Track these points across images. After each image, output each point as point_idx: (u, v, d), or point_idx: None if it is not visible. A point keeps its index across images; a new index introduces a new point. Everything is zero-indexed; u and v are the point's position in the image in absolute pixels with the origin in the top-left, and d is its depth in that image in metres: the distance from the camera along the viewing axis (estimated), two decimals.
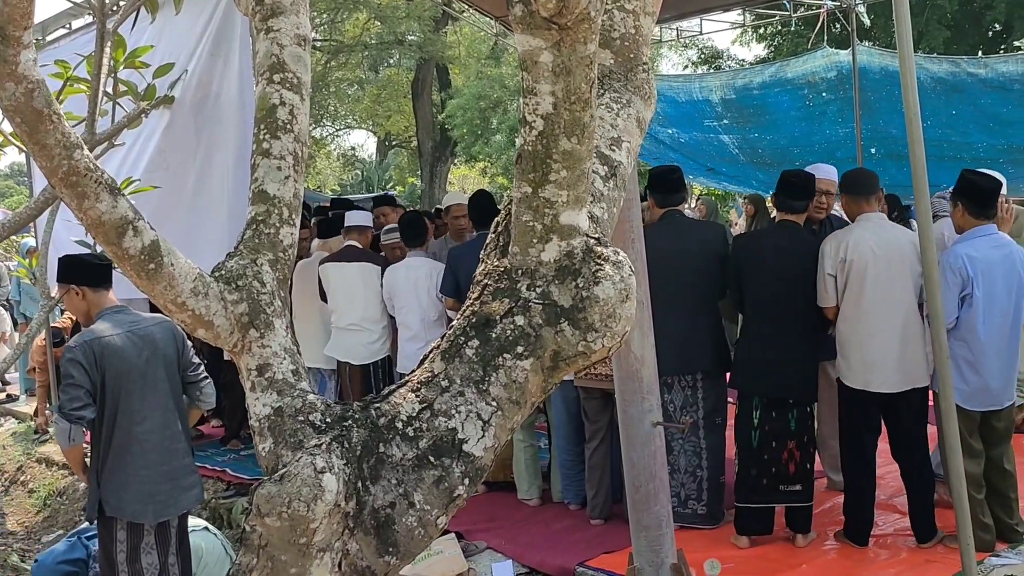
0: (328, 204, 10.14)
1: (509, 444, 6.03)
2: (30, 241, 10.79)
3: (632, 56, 2.10)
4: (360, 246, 6.63)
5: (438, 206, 10.54)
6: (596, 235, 1.76)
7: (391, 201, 8.99)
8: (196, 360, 4.52)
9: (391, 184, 35.61)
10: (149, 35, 6.28)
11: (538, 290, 1.71)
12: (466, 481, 1.67)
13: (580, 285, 1.69)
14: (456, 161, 29.98)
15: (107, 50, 4.78)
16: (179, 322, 1.70)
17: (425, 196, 25.90)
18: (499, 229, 1.86)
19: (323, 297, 6.67)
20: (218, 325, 1.70)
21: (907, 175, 4.49)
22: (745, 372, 5.08)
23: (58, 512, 7.76)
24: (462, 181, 33.44)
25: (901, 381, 4.76)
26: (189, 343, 4.49)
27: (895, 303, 4.75)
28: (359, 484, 1.62)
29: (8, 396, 11.46)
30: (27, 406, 10.57)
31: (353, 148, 43.25)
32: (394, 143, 36.23)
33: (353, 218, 6.88)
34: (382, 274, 6.36)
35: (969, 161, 10.31)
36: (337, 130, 36.36)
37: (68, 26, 8.09)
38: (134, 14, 5.56)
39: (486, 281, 1.77)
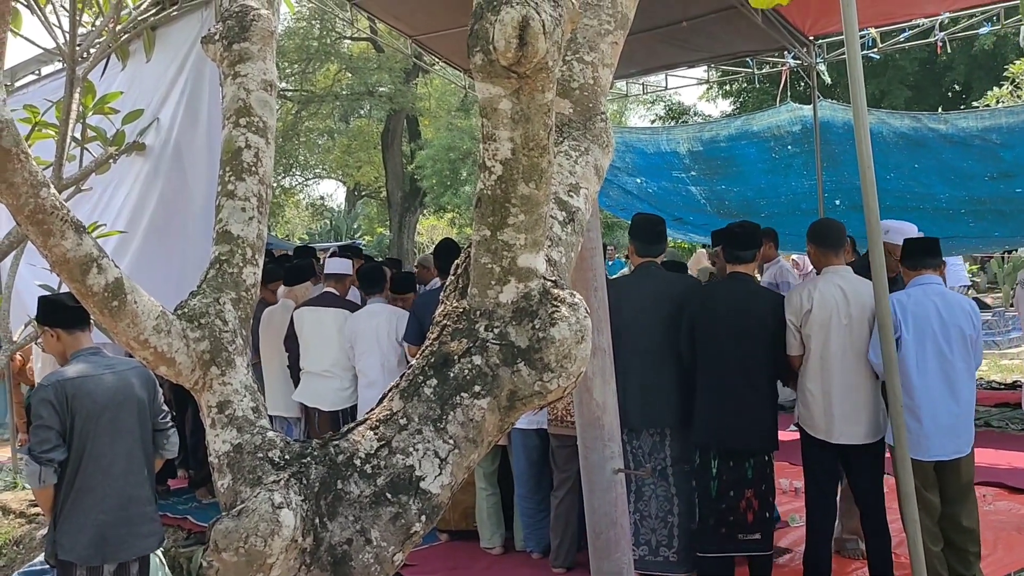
0: (290, 252, 10.16)
1: (471, 493, 6.03)
2: None
3: (591, 106, 2.17)
4: (337, 293, 6.66)
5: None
6: (553, 278, 1.80)
7: (356, 252, 9.01)
8: (165, 408, 4.50)
9: (360, 234, 35.68)
10: (119, 82, 6.33)
11: (496, 331, 1.75)
12: (423, 518, 1.69)
13: (537, 326, 1.73)
14: (425, 212, 30.13)
15: (76, 96, 4.82)
16: (141, 359, 1.72)
17: (394, 246, 25.96)
18: (459, 271, 1.90)
19: (288, 343, 6.66)
20: (180, 362, 1.72)
21: None
22: (701, 424, 5.08)
23: (14, 561, 7.61)
24: (431, 232, 33.55)
25: (861, 434, 4.82)
26: (160, 391, 4.47)
27: (857, 356, 4.82)
28: (316, 520, 1.64)
29: None
30: None
31: (322, 198, 43.41)
32: (363, 193, 36.36)
33: (332, 265, 6.91)
34: None
35: (931, 212, 10.54)
36: (307, 179, 36.42)
37: (37, 72, 8.13)
38: (104, 60, 5.61)
39: (445, 322, 1.81)
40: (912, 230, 5.67)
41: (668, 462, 5.25)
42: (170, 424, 4.48)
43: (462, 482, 1.79)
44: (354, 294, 7.28)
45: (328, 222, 39.68)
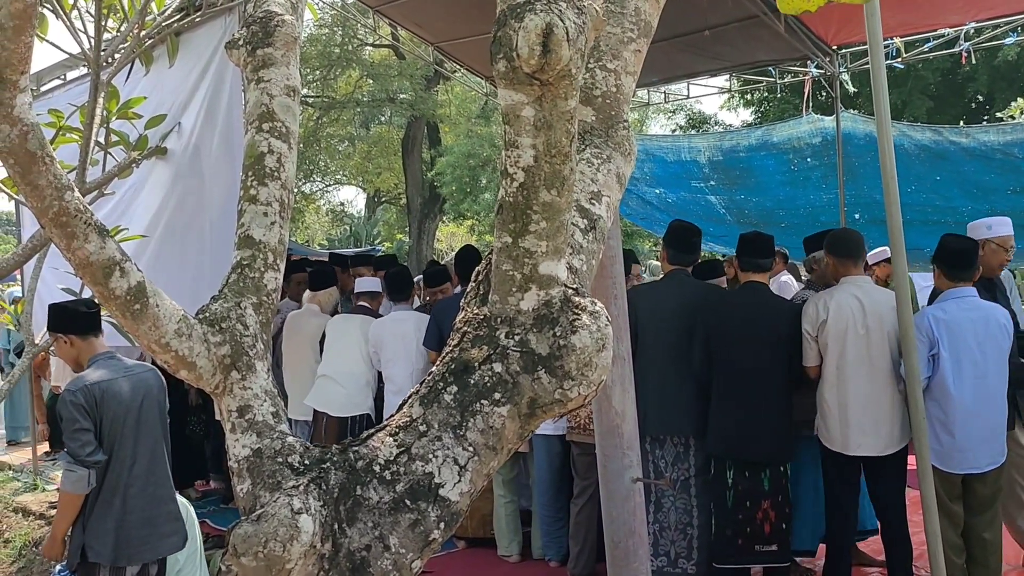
0: (309, 258, 10.17)
1: (489, 500, 6.02)
2: (16, 291, 10.78)
3: (613, 114, 2.16)
4: (370, 308, 6.70)
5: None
6: (574, 285, 1.80)
7: (365, 261, 8.86)
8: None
9: (379, 240, 35.76)
10: (143, 87, 6.37)
11: (516, 338, 1.74)
12: (442, 525, 1.69)
13: (558, 334, 1.72)
14: (444, 218, 30.17)
15: (100, 100, 4.85)
16: (162, 363, 1.72)
17: (413, 252, 26.00)
18: (479, 278, 1.90)
19: (322, 350, 6.71)
20: (200, 366, 1.72)
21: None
22: (717, 434, 5.06)
23: (33, 563, 7.65)
24: (450, 239, 33.59)
25: (880, 445, 4.78)
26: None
27: (876, 367, 4.78)
28: (335, 526, 1.63)
29: None
30: (6, 455, 10.47)
31: (342, 204, 43.48)
32: (383, 199, 36.44)
33: (363, 284, 6.93)
34: None
35: (953, 225, 10.44)
36: (327, 186, 36.53)
37: (63, 77, 8.18)
38: (129, 65, 5.65)
39: (466, 328, 1.81)
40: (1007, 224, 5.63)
41: (692, 472, 5.20)
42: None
43: (481, 489, 1.78)
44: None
45: (348, 228, 39.82)
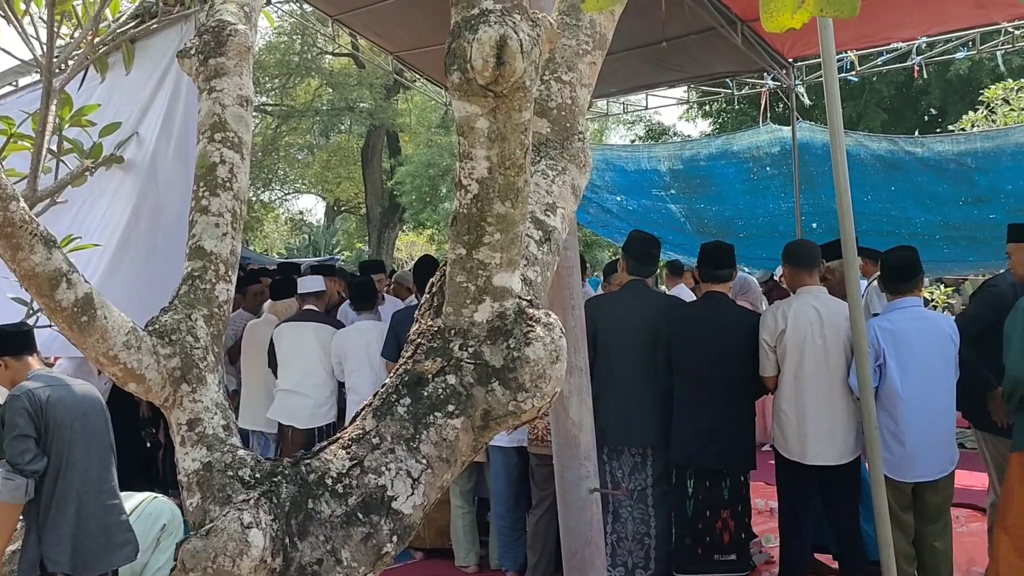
0: (268, 268, 10.11)
1: (447, 511, 6.00)
2: None
3: (568, 126, 2.17)
4: (318, 310, 6.65)
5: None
6: (528, 297, 1.80)
7: (331, 270, 8.82)
8: None
9: (338, 249, 35.58)
10: (98, 95, 6.28)
11: (470, 350, 1.74)
12: (394, 539, 1.68)
13: (511, 346, 1.72)
14: (404, 228, 30.08)
15: (53, 107, 4.78)
16: (110, 376, 1.70)
17: None
18: (434, 290, 1.89)
19: (270, 362, 6.63)
20: (150, 379, 1.70)
21: None
22: (679, 443, 5.08)
23: None
24: (410, 248, 33.50)
25: (836, 454, 4.83)
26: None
27: (832, 376, 4.83)
28: (286, 540, 1.62)
29: None
30: None
31: (301, 212, 43.22)
32: (342, 209, 36.29)
33: (307, 284, 6.87)
34: None
35: (907, 236, 10.59)
36: (286, 194, 36.30)
37: (15, 83, 8.06)
38: (83, 73, 5.57)
39: (419, 340, 1.80)
40: None
41: (649, 482, 5.22)
42: None
43: (435, 501, 1.78)
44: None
45: (307, 237, 39.59)
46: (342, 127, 29.69)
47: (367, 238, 28.81)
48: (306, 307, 6.67)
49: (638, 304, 5.31)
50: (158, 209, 6.03)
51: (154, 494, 5.03)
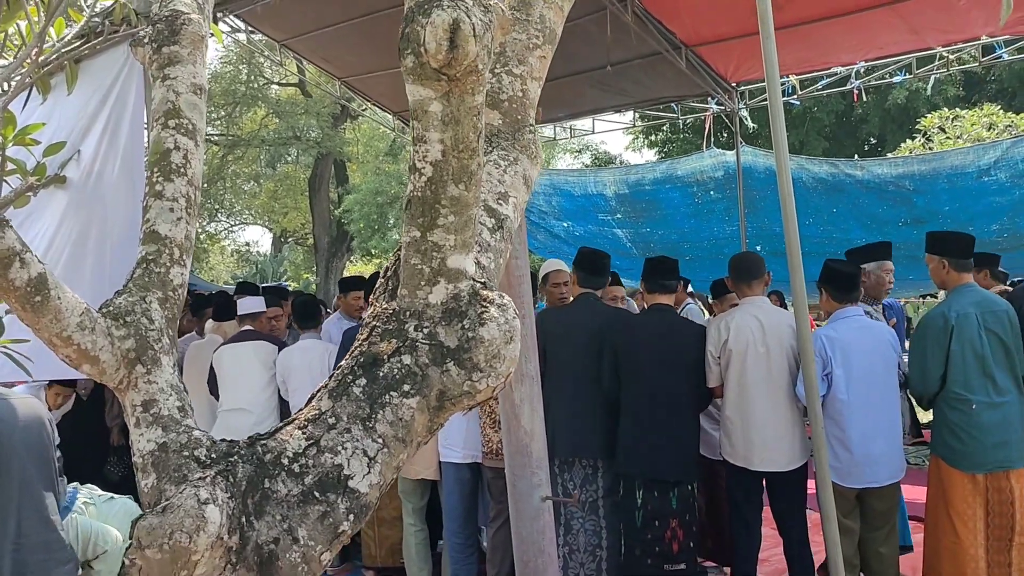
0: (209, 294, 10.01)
1: (399, 529, 5.97)
2: None
3: (519, 118, 2.20)
4: (256, 329, 6.59)
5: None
6: (483, 279, 1.82)
7: (283, 293, 8.78)
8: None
9: (286, 279, 35.34)
10: (39, 114, 6.21)
11: (425, 331, 1.75)
12: (351, 517, 1.68)
13: (466, 326, 1.74)
14: (352, 257, 30.00)
15: None
16: (64, 357, 1.69)
17: (320, 291, 25.76)
18: (388, 274, 1.91)
19: (209, 385, 6.56)
20: (104, 360, 1.69)
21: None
22: (625, 453, 5.11)
23: None
24: None
25: (782, 460, 4.90)
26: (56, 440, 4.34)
27: (775, 384, 4.91)
28: (243, 519, 1.61)
29: None
30: None
31: (247, 244, 42.92)
32: (289, 239, 36.08)
33: (246, 305, 6.80)
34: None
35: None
36: (232, 225, 36.05)
37: None
38: (26, 93, 5.52)
39: (375, 323, 1.81)
40: None
41: (600, 494, 5.24)
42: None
43: (391, 483, 1.78)
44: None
45: (254, 267, 39.29)
46: (289, 157, 29.64)
47: (315, 268, 28.67)
48: (244, 328, 6.62)
49: (588, 317, 5.35)
50: (105, 228, 5.96)
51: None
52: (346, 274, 30.18)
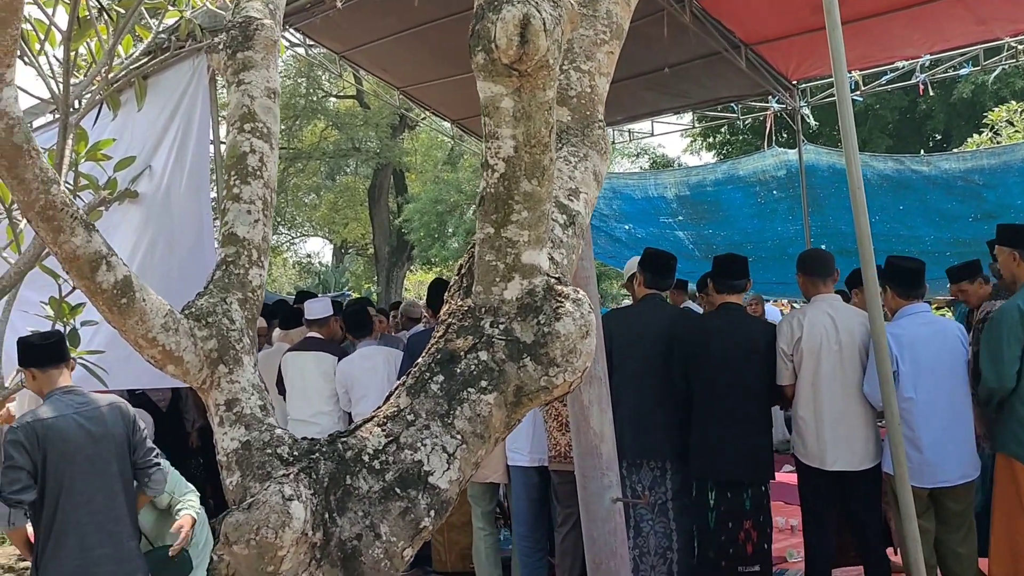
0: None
1: (469, 533, 5.98)
2: None
3: (588, 114, 2.20)
4: (322, 337, 6.65)
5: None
6: (557, 274, 1.82)
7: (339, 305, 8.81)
8: (149, 445, 4.46)
9: (348, 288, 35.67)
10: (111, 130, 6.36)
11: (501, 327, 1.76)
12: (432, 513, 1.69)
13: (541, 321, 1.74)
14: (412, 267, 30.18)
15: (69, 143, 4.84)
16: (148, 358, 1.72)
17: (382, 301, 25.95)
18: (463, 271, 1.92)
19: (280, 390, 6.64)
20: (188, 361, 1.73)
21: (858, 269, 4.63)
22: (697, 455, 5.07)
23: None
24: (418, 287, 33.56)
25: (856, 460, 4.82)
26: (142, 425, 4.44)
27: (848, 382, 4.84)
28: (326, 515, 1.63)
29: None
30: None
31: (309, 255, 43.40)
32: (350, 249, 36.43)
33: (312, 310, 6.88)
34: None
35: (917, 254, 10.61)
36: (293, 237, 36.49)
37: (29, 124, 8.15)
38: (96, 109, 5.65)
39: (450, 320, 1.82)
40: None
41: (669, 496, 5.20)
42: (153, 462, 4.43)
43: (468, 479, 1.79)
44: None
45: (316, 277, 39.72)
46: (348, 168, 29.90)
47: (375, 278, 28.91)
48: (309, 335, 6.68)
49: (656, 318, 5.33)
50: (172, 242, 6.08)
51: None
52: (407, 284, 30.46)
